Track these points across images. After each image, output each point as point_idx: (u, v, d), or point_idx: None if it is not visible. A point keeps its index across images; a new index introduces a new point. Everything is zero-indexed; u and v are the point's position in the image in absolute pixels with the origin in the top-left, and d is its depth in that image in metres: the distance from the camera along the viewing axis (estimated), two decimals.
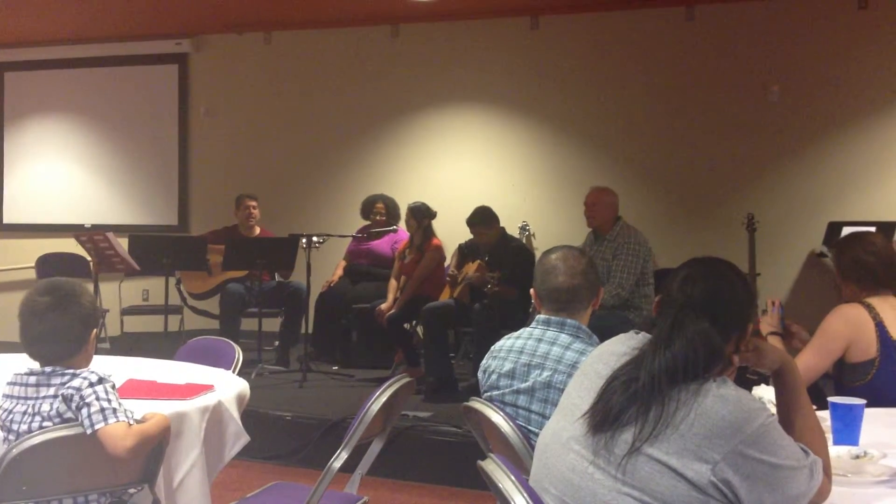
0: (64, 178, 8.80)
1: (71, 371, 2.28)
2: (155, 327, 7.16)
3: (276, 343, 6.88)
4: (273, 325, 6.96)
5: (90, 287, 6.68)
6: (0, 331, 8.14)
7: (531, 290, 2.69)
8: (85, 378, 2.25)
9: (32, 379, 2.29)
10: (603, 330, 4.77)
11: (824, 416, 2.44)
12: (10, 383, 2.34)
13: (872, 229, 6.21)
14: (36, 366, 2.33)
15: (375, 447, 3.10)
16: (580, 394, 1.88)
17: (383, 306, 6.33)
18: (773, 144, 6.90)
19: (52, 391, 2.26)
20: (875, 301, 2.99)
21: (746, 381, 2.34)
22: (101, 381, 2.25)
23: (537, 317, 2.64)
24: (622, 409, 1.75)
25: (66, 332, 2.29)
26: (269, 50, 8.25)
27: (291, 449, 5.05)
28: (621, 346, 1.90)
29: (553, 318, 2.59)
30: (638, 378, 1.76)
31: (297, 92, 8.18)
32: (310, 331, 6.70)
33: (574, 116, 7.40)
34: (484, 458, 1.97)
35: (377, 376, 6.29)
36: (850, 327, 2.93)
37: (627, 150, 7.27)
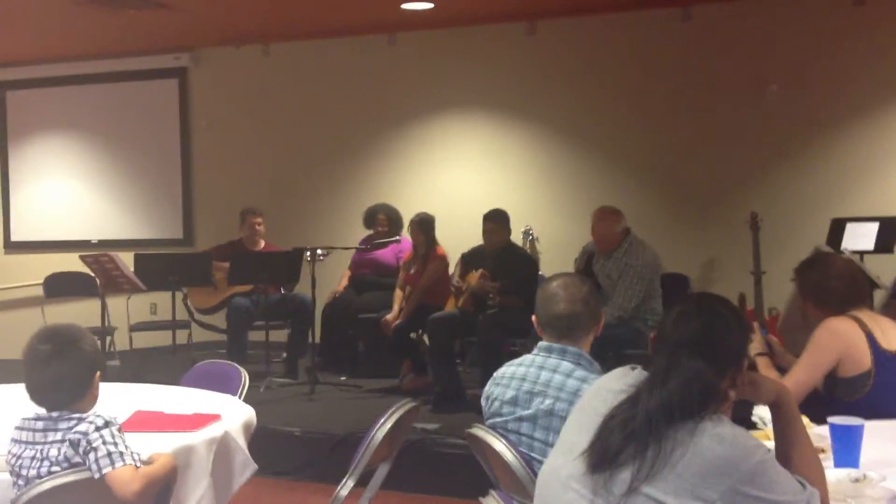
0: (69, 194, 8.85)
1: (77, 415, 2.31)
2: (164, 341, 7.20)
3: (284, 355, 6.92)
4: (281, 335, 7.00)
5: (98, 304, 6.77)
6: (9, 349, 8.22)
7: (533, 318, 2.71)
8: (91, 422, 2.28)
9: (40, 424, 2.33)
10: (613, 340, 4.78)
11: (825, 433, 2.45)
12: (17, 428, 2.37)
13: (875, 225, 6.25)
14: (42, 410, 2.37)
15: (382, 471, 3.13)
16: (578, 431, 1.90)
17: (389, 317, 6.36)
18: (774, 142, 6.89)
19: (59, 436, 2.29)
20: (860, 314, 2.99)
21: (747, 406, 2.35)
22: (107, 424, 2.28)
23: (539, 343, 2.67)
24: (620, 448, 1.77)
25: (70, 379, 2.32)
26: (268, 62, 8.28)
27: (301, 464, 5.08)
28: (618, 383, 1.92)
29: (555, 345, 2.62)
30: (635, 417, 1.78)
31: (298, 103, 8.20)
32: (317, 341, 6.75)
33: (574, 119, 7.40)
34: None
35: (385, 386, 6.35)
36: (842, 340, 2.92)
37: (628, 152, 7.27)
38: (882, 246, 6.16)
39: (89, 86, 8.74)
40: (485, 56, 7.61)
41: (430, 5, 6.97)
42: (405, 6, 6.98)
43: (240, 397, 3.45)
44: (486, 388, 2.73)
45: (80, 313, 7.57)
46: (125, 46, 8.27)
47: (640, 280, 5.33)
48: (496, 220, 6.01)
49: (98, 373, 2.40)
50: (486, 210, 6.20)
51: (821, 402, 2.91)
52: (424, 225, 6.37)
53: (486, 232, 6.02)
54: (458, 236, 6.56)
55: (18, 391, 2.47)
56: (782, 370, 3.18)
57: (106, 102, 8.73)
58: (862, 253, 6.16)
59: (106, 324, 6.79)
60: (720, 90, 7.01)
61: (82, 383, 2.35)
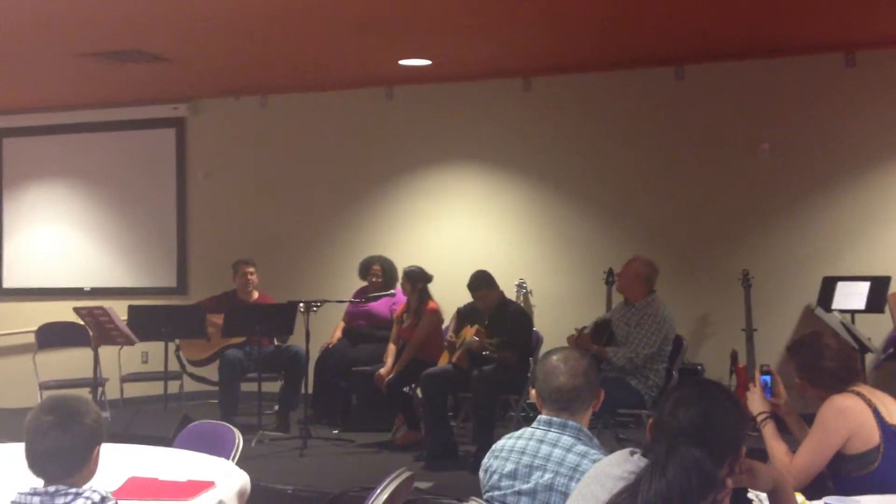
0: (63, 242, 8.85)
1: (74, 490, 2.29)
2: (155, 390, 7.17)
3: (276, 407, 6.89)
4: (273, 386, 6.97)
5: (90, 354, 6.74)
6: (1, 397, 8.17)
7: (532, 391, 2.72)
8: (87, 498, 2.26)
9: (36, 500, 2.30)
10: (606, 398, 4.79)
11: None
12: (14, 502, 2.35)
13: (866, 284, 6.29)
14: (40, 482, 2.35)
15: None
16: None
17: (382, 371, 6.35)
18: (765, 201, 6.95)
19: None
20: (861, 389, 3.01)
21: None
22: (103, 500, 2.26)
23: (539, 417, 2.67)
24: None
25: (70, 451, 2.31)
26: (266, 113, 8.35)
27: None
28: (618, 469, 1.93)
29: (555, 419, 2.62)
30: None
31: (294, 155, 8.27)
32: (309, 392, 6.72)
33: (568, 174, 7.47)
34: None
35: (378, 440, 6.32)
36: (850, 419, 2.91)
37: (621, 207, 7.33)
38: (873, 305, 6.20)
39: (86, 134, 8.79)
40: (481, 110, 7.70)
41: (428, 62, 7.06)
42: (403, 62, 7.06)
43: (233, 460, 3.44)
44: (485, 460, 2.73)
45: (71, 363, 7.55)
46: (124, 96, 8.34)
47: (658, 331, 5.40)
48: (480, 288, 6.02)
49: (98, 447, 2.39)
50: (480, 261, 6.24)
51: (820, 477, 2.91)
52: (411, 277, 6.39)
53: (478, 299, 6.05)
54: (453, 289, 6.58)
55: (15, 451, 2.45)
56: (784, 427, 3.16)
57: (103, 151, 8.78)
58: (853, 312, 6.20)
59: (97, 375, 6.75)
60: (713, 148, 7.09)
61: (81, 457, 2.33)
